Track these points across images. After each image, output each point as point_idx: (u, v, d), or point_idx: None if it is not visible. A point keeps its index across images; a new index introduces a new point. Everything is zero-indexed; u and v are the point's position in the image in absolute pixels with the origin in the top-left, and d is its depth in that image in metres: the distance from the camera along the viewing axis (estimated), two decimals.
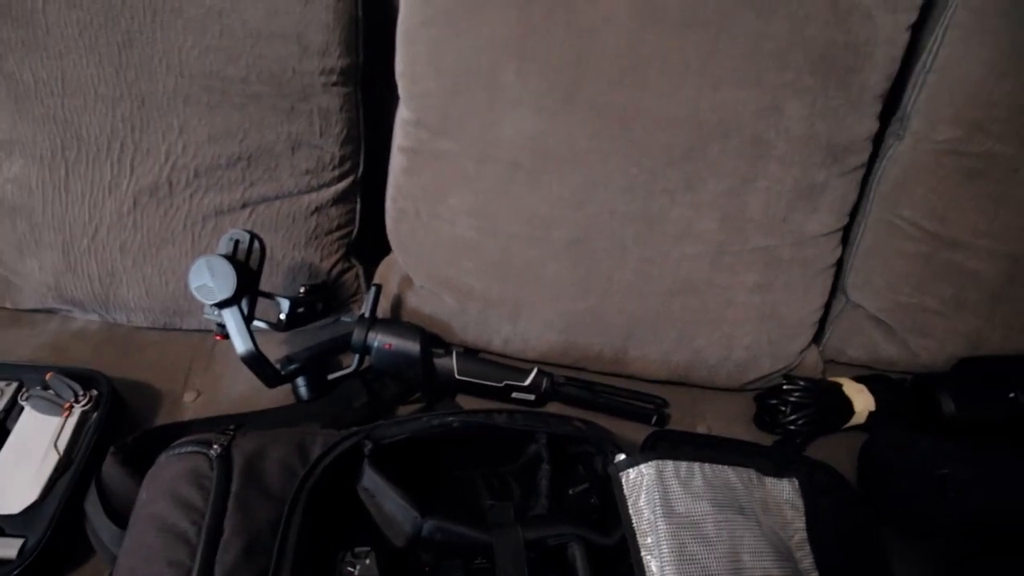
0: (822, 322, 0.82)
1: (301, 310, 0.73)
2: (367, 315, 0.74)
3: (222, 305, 0.64)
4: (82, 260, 0.77)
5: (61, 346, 0.83)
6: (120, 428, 0.71)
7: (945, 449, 0.68)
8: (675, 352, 0.73)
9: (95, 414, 0.69)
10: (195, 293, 0.63)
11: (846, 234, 0.79)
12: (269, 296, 0.70)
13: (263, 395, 0.76)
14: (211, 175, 0.74)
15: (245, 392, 0.79)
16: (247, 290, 0.66)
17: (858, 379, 0.77)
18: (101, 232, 0.76)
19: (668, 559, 0.49)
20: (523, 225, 0.69)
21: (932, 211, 0.74)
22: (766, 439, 0.75)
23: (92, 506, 0.61)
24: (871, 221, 0.77)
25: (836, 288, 0.82)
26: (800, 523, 0.59)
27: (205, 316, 0.67)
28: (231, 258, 0.64)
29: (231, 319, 0.64)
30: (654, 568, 0.49)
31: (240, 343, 0.64)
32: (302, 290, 0.74)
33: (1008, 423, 0.74)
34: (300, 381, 0.74)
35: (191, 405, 0.78)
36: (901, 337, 0.81)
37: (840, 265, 0.80)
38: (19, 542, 0.60)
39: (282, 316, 0.70)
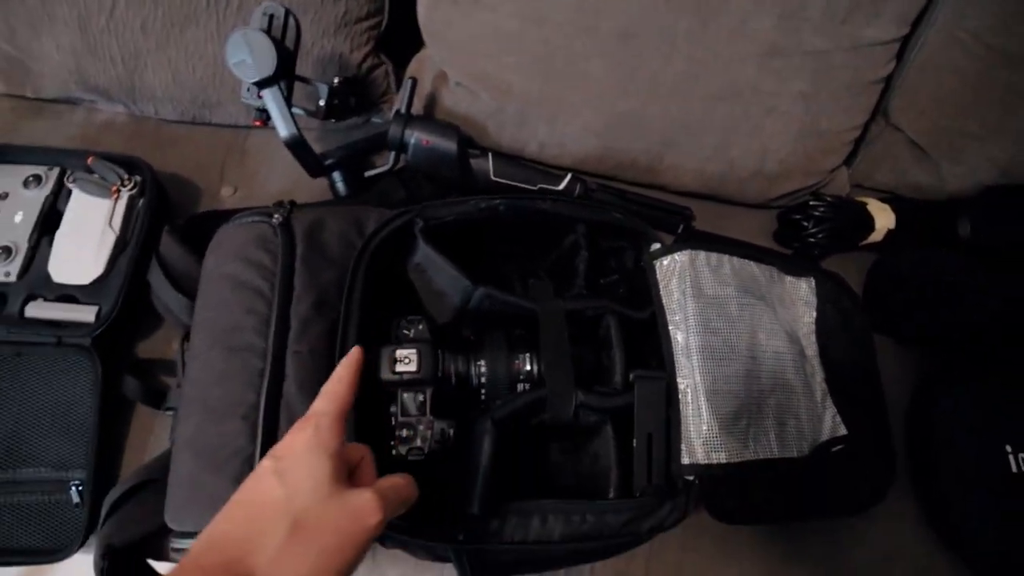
0: (856, 144, 0.82)
1: (336, 101, 0.72)
2: (403, 110, 0.73)
3: (262, 84, 0.62)
4: (102, 39, 0.74)
5: (90, 138, 0.83)
6: (167, 216, 0.74)
7: (957, 262, 0.72)
8: (711, 161, 0.73)
9: (142, 200, 0.71)
10: (233, 70, 0.61)
11: (902, 49, 0.75)
12: (306, 81, 0.69)
13: (300, 191, 0.78)
14: None
15: (282, 187, 0.80)
16: (285, 70, 0.64)
17: (883, 200, 0.79)
18: (119, 7, 0.71)
19: (694, 331, 0.54)
20: (571, 12, 0.65)
21: (1001, 24, 0.70)
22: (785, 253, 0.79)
23: (156, 278, 0.66)
24: (932, 33, 0.73)
25: (877, 109, 0.80)
26: (810, 318, 0.64)
27: (243, 99, 0.66)
28: (268, 33, 0.61)
29: (272, 100, 0.63)
30: (680, 339, 0.55)
31: (283, 126, 0.64)
32: (337, 80, 0.72)
33: (1022, 248, 0.77)
34: (337, 176, 0.75)
35: (229, 199, 0.80)
36: (934, 162, 0.81)
37: (887, 83, 0.77)
38: (94, 308, 0.65)
39: (321, 103, 0.69)
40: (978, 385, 0.68)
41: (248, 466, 0.47)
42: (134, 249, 0.68)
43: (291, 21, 0.63)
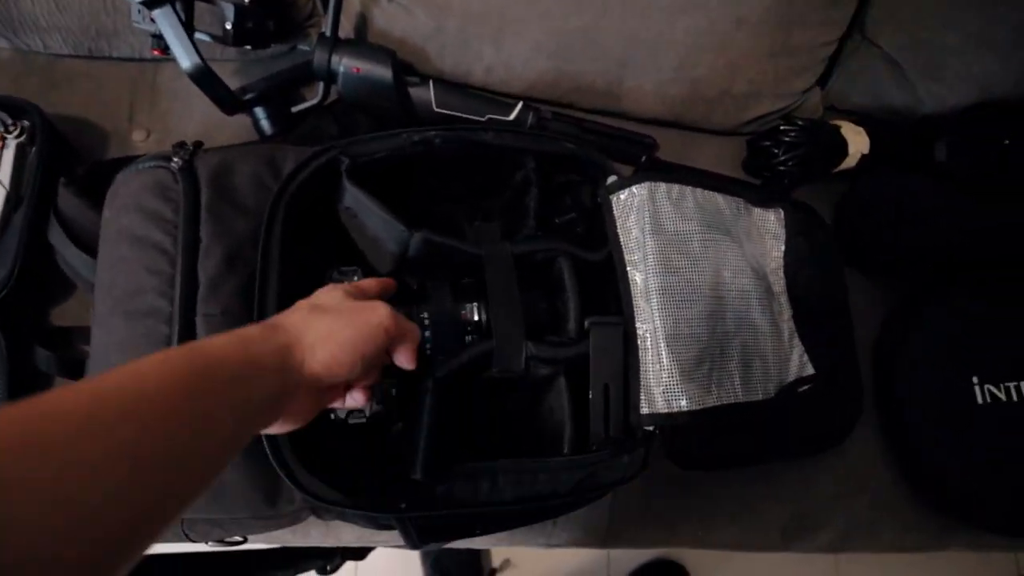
0: (830, 62, 0.76)
1: (250, 24, 0.63)
2: (328, 33, 0.64)
3: (151, 4, 0.53)
4: None
5: None
6: (68, 166, 0.65)
7: (931, 186, 0.68)
8: (674, 82, 0.67)
9: (34, 148, 0.62)
10: None
11: None
12: (208, 0, 0.59)
13: (222, 132, 0.69)
14: None
15: (200, 130, 0.72)
16: None
17: (857, 122, 0.74)
18: None
19: (653, 271, 0.49)
20: None
21: None
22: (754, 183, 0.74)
23: (57, 238, 0.58)
24: None
25: (854, 23, 0.74)
26: (778, 252, 0.60)
27: (134, 23, 0.57)
28: None
29: (167, 25, 0.54)
30: (638, 280, 0.50)
31: (182, 54, 0.55)
32: None
33: (998, 172, 0.73)
34: (260, 113, 0.66)
35: (142, 145, 0.71)
36: (911, 80, 0.76)
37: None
38: None
39: (228, 25, 0.60)
40: (946, 316, 0.66)
41: None
42: (29, 205, 0.60)
43: None
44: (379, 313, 0.37)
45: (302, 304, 0.38)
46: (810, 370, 0.55)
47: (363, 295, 0.41)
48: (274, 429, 0.36)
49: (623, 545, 0.63)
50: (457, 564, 0.95)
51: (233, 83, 0.67)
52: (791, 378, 0.55)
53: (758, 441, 0.54)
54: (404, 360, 0.40)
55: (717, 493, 0.61)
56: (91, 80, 0.73)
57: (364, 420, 0.48)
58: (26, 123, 0.62)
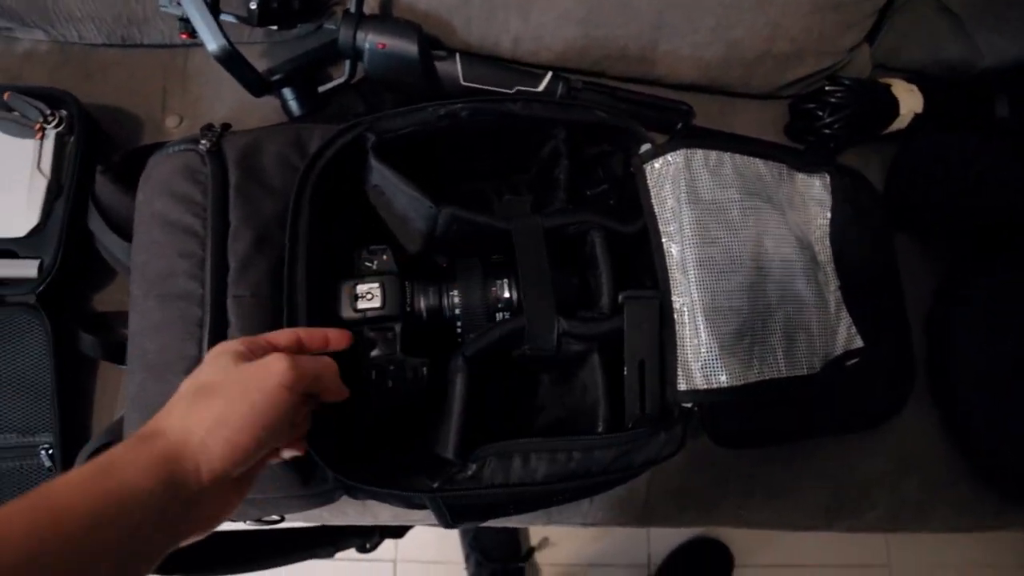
0: (879, 16, 0.70)
1: (275, 5, 0.62)
2: (353, 10, 0.63)
3: None
4: None
5: (11, 72, 0.74)
6: (104, 154, 0.66)
7: (990, 146, 0.63)
8: (711, 44, 0.63)
9: (72, 137, 0.63)
10: None
11: None
12: None
13: (252, 115, 0.70)
14: None
15: (232, 114, 0.72)
16: None
17: (910, 80, 0.69)
18: None
19: (690, 242, 0.47)
20: None
21: None
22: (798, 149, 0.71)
23: (96, 224, 0.59)
24: None
25: None
26: (824, 219, 0.57)
27: (161, 8, 0.57)
28: None
29: (192, 7, 0.54)
30: (674, 252, 0.48)
31: (209, 36, 0.55)
32: None
33: None
34: (288, 94, 0.66)
35: (176, 131, 0.72)
36: (969, 32, 0.70)
37: None
38: (35, 262, 0.60)
39: (252, 6, 0.59)
40: (1004, 283, 0.61)
41: None
42: (69, 193, 0.61)
43: None
44: (273, 371, 0.32)
45: (185, 389, 0.33)
46: (858, 343, 0.52)
47: (260, 350, 0.35)
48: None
49: (660, 524, 0.62)
50: (496, 543, 0.96)
51: (261, 65, 0.67)
52: (838, 351, 0.52)
53: (802, 417, 0.52)
54: (333, 397, 0.37)
55: (758, 471, 0.59)
56: (124, 68, 0.74)
57: (398, 400, 0.48)
58: (64, 113, 0.63)
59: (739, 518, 0.62)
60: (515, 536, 0.98)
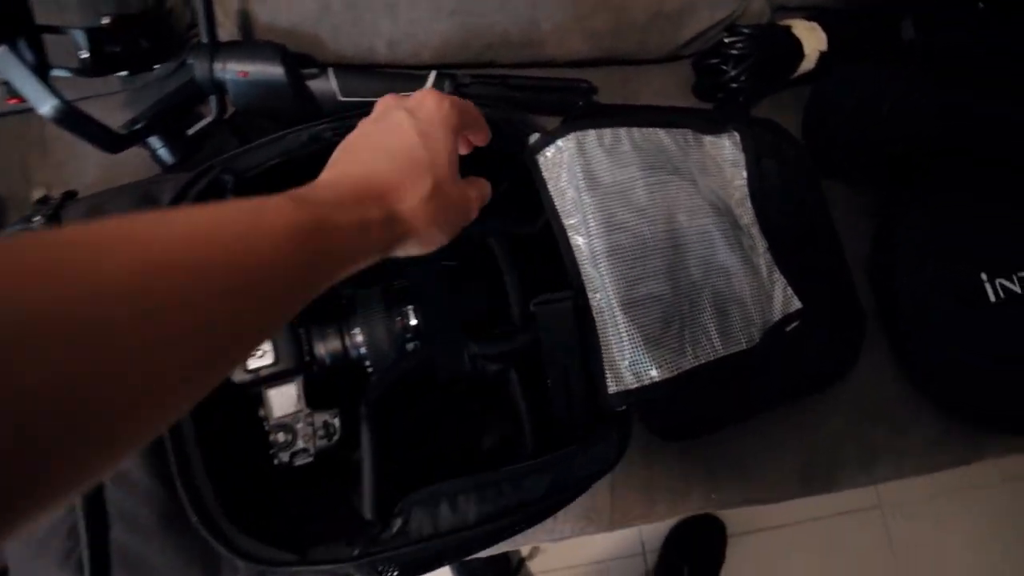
0: None
1: (116, 49, 0.56)
2: (205, 40, 0.57)
3: None
4: None
5: None
6: None
7: (900, 73, 0.61)
8: (595, 14, 0.59)
9: None
10: None
11: None
12: (54, 30, 0.53)
13: (123, 172, 0.63)
14: None
15: (102, 175, 0.66)
16: (16, 23, 0.48)
17: (811, 18, 0.66)
18: None
19: (596, 232, 0.43)
20: None
21: None
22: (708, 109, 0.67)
23: None
24: None
25: None
26: (741, 180, 0.54)
27: None
28: None
29: (9, 68, 0.48)
30: (581, 243, 0.44)
31: (36, 99, 0.49)
32: (105, 20, 0.56)
33: (975, 45, 0.65)
34: (156, 143, 0.60)
35: None
36: None
37: None
38: None
39: (83, 55, 0.53)
40: (937, 215, 0.59)
41: None
42: None
43: None
44: (471, 207, 0.36)
45: (423, 162, 0.32)
46: (796, 304, 0.49)
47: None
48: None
49: (634, 523, 0.59)
50: (483, 561, 0.92)
51: (124, 115, 0.61)
52: (776, 317, 0.49)
53: (752, 393, 0.49)
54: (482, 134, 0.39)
55: (722, 452, 0.56)
56: None
57: (311, 459, 0.44)
58: None
59: (713, 501, 0.59)
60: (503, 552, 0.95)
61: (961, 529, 1.03)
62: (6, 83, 0.51)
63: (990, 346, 0.54)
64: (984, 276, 0.54)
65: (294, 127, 0.46)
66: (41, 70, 0.50)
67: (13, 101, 0.52)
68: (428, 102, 0.34)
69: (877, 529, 1.03)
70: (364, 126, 0.34)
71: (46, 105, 0.50)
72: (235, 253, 0.20)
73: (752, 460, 0.56)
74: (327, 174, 0.31)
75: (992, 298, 0.53)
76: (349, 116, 0.47)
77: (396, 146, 0.32)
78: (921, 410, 0.59)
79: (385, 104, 0.35)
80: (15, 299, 0.14)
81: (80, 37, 0.53)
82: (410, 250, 0.33)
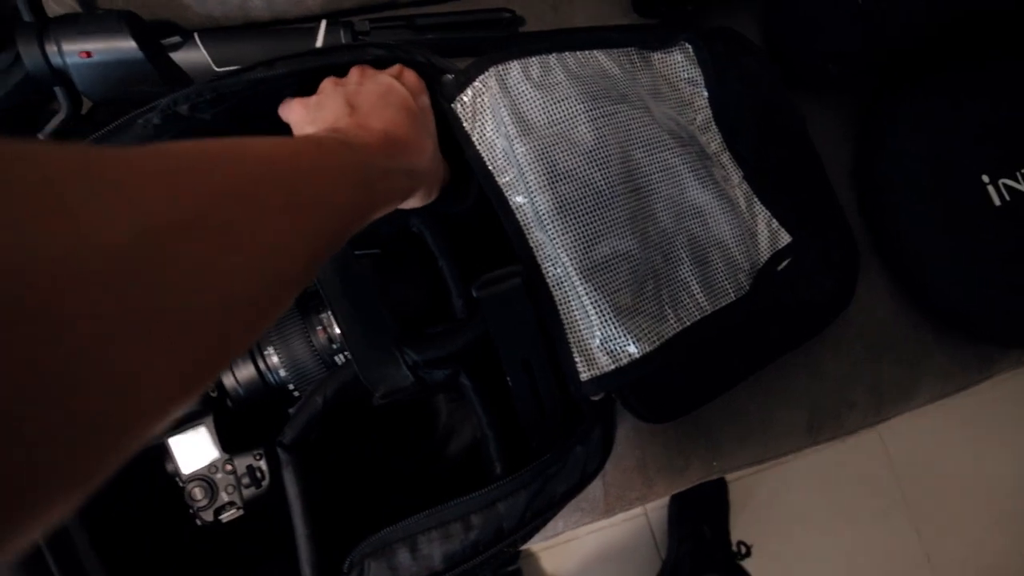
0: None
1: None
2: (28, 19, 0.46)
3: None
4: None
5: None
6: None
7: None
8: None
9: None
10: None
11: None
12: None
13: None
14: None
15: None
16: None
17: None
18: None
19: (537, 186, 0.35)
20: None
21: None
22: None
23: None
24: None
25: None
26: (702, 100, 0.46)
27: None
28: None
29: None
30: (522, 202, 0.36)
31: None
32: None
33: None
34: None
35: None
36: None
37: None
38: None
39: None
40: (928, 119, 0.52)
41: None
42: None
43: None
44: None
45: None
46: (785, 238, 0.42)
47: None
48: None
49: (632, 506, 0.53)
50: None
51: None
52: (765, 256, 0.42)
53: (747, 349, 0.42)
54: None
55: (718, 420, 0.50)
56: None
57: (242, 512, 0.36)
58: None
59: (715, 469, 0.53)
60: None
61: (959, 438, 1.02)
62: None
63: (996, 255, 0.48)
64: (986, 179, 0.47)
65: (138, 109, 0.36)
66: None
67: None
68: (408, 75, 0.35)
69: (876, 450, 1.01)
70: (353, 87, 0.33)
71: None
72: (308, 181, 0.22)
73: (754, 418, 0.50)
74: (345, 123, 0.31)
75: (997, 201, 0.47)
76: (211, 81, 0.36)
77: (406, 108, 0.32)
78: (926, 336, 0.54)
79: (352, 74, 0.35)
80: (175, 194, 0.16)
81: None
82: (413, 203, 0.34)
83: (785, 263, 0.41)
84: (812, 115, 0.54)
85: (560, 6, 0.58)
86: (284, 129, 0.36)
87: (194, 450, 0.37)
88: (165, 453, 0.36)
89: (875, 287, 0.53)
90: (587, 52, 0.40)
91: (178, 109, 0.35)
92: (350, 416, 0.36)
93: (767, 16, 0.58)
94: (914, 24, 0.52)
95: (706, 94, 0.45)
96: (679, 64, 0.44)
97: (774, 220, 0.42)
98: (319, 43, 0.50)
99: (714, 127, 0.45)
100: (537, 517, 0.33)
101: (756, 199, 0.43)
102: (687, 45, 0.44)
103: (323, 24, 0.51)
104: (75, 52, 0.46)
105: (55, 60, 0.46)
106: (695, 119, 0.45)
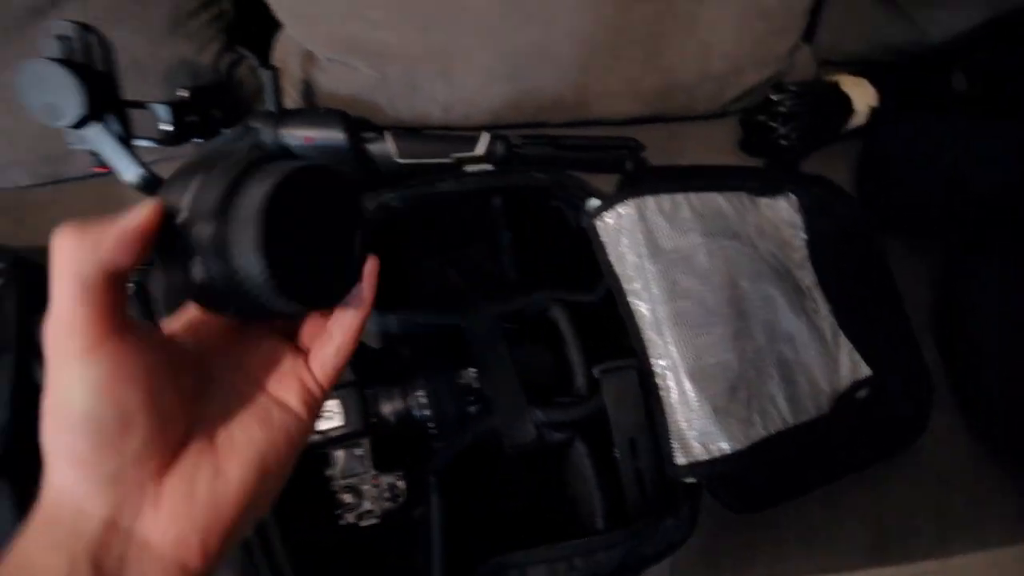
0: (812, 15, 0.68)
1: (193, 118, 0.60)
2: (272, 107, 0.61)
3: (80, 125, 0.50)
4: None
5: None
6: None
7: (955, 129, 0.60)
8: (643, 77, 0.61)
9: (10, 292, 0.60)
10: (40, 117, 0.50)
11: None
12: (139, 105, 0.56)
13: None
14: None
15: None
16: (105, 100, 0.52)
17: (859, 73, 0.66)
18: None
19: (660, 299, 0.43)
20: None
21: None
22: (756, 164, 0.67)
23: (43, 376, 0.56)
24: None
25: None
26: (800, 241, 0.53)
27: (69, 145, 0.54)
28: (66, 61, 0.49)
29: (102, 141, 0.52)
30: (645, 311, 0.44)
31: (123, 169, 0.52)
32: (184, 92, 0.60)
33: None
34: None
35: None
36: (907, 12, 0.68)
37: None
38: None
39: (167, 127, 0.57)
40: (1011, 264, 0.57)
41: None
42: (12, 349, 0.58)
43: (91, 38, 0.51)
44: None
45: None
46: (865, 370, 0.48)
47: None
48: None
49: None
50: None
51: None
52: (845, 384, 0.48)
53: (822, 463, 0.47)
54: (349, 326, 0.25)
55: (786, 522, 0.54)
56: (59, 205, 0.71)
57: (378, 521, 0.44)
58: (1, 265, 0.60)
59: (777, 571, 0.56)
60: None
61: None
62: (93, 153, 0.55)
63: None
64: None
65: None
66: (126, 141, 0.53)
67: (99, 169, 0.56)
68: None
69: None
70: None
71: (131, 174, 0.53)
72: None
73: (822, 530, 0.54)
74: None
75: None
76: (414, 184, 0.48)
77: None
78: (998, 479, 0.56)
79: None
80: None
81: (162, 111, 0.57)
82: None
83: (863, 391, 0.47)
84: (896, 255, 0.60)
85: (675, 137, 0.69)
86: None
87: (351, 462, 0.45)
88: (328, 460, 0.45)
89: (953, 423, 0.57)
90: (709, 193, 0.49)
91: (389, 203, 0.47)
92: (481, 460, 0.44)
93: (859, 167, 0.66)
94: (993, 184, 0.58)
95: (805, 237, 0.52)
96: (783, 209, 0.53)
97: (855, 352, 0.49)
98: (480, 150, 0.62)
99: (809, 265, 0.53)
100: (626, 572, 0.39)
101: (840, 332, 0.49)
102: (791, 195, 0.53)
103: (486, 135, 0.63)
104: (300, 137, 0.60)
105: (285, 140, 0.60)
106: (793, 257, 0.52)
